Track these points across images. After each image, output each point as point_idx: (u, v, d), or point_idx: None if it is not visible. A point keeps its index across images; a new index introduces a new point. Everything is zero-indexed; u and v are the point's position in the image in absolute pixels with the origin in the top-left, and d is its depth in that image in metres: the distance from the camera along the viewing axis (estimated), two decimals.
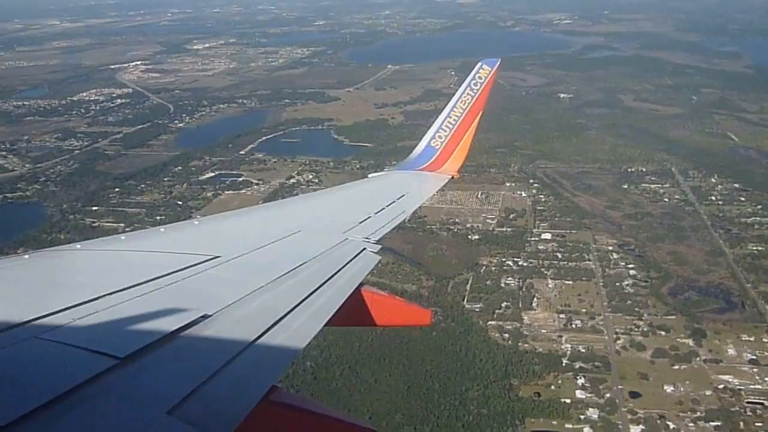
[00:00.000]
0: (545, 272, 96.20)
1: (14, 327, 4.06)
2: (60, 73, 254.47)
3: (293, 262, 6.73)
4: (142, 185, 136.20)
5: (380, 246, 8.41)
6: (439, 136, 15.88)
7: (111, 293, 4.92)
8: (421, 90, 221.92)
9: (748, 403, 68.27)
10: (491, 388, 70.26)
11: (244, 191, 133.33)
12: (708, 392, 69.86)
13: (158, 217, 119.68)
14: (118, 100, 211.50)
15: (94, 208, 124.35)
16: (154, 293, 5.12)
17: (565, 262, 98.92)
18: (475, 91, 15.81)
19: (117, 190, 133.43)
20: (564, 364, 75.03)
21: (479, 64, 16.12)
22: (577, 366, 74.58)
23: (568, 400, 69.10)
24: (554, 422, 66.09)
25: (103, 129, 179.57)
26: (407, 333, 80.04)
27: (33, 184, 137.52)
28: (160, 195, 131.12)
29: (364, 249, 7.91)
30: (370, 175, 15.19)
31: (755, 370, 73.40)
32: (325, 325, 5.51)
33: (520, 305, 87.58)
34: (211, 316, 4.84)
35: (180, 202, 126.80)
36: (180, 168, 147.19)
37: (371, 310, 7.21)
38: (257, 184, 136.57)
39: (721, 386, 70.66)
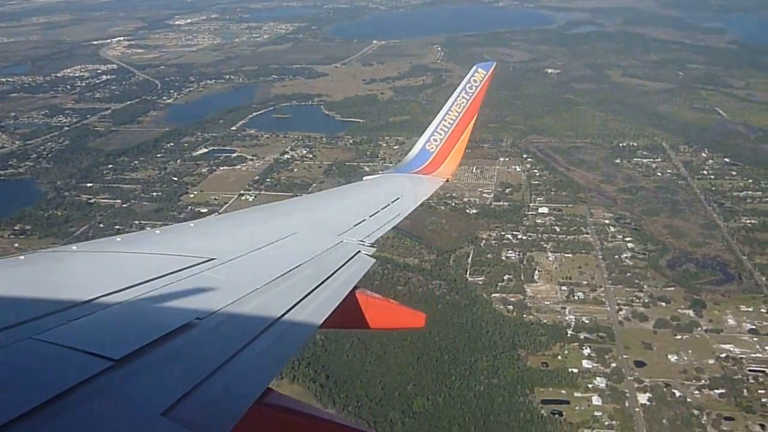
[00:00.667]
0: (545, 245, 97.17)
1: (9, 328, 4.03)
2: (42, 50, 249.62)
3: (288, 264, 6.75)
4: (136, 162, 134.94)
5: (375, 249, 8.46)
6: (434, 140, 15.97)
7: (106, 295, 4.91)
8: (408, 65, 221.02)
9: (750, 371, 69.85)
10: (500, 359, 71.16)
11: (239, 167, 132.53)
12: (711, 361, 71.34)
13: (154, 193, 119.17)
14: (104, 77, 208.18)
15: (89, 184, 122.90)
16: (149, 295, 5.10)
17: (564, 236, 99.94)
18: (470, 94, 16.01)
19: (110, 166, 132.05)
20: (569, 335, 76.12)
21: (474, 68, 16.30)
22: (581, 336, 75.71)
23: (575, 370, 70.25)
24: (563, 391, 67.19)
25: (91, 105, 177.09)
26: (414, 306, 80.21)
27: (24, 161, 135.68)
28: (154, 171, 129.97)
29: (359, 252, 7.94)
30: (365, 178, 14.72)
31: (755, 339, 75.02)
32: (319, 328, 5.58)
33: (522, 278, 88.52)
34: (205, 318, 4.83)
35: (175, 178, 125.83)
36: (172, 144, 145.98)
37: (366, 312, 7.25)
38: (251, 160, 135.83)
39: (723, 355, 72.16)
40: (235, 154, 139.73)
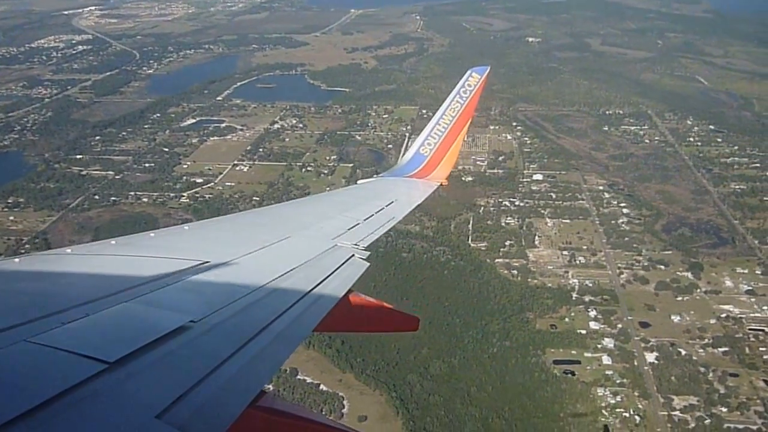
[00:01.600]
0: (542, 212, 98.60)
1: (4, 330, 4.03)
2: (11, 20, 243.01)
3: (282, 267, 6.71)
4: (123, 133, 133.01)
5: (369, 252, 8.37)
6: (429, 143, 15.82)
7: (101, 298, 4.90)
8: (389, 34, 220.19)
9: (750, 330, 72.20)
10: (510, 322, 72.56)
11: (229, 137, 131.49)
12: (712, 321, 73.54)
13: (146, 164, 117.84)
14: (80, 47, 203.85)
15: (79, 156, 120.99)
16: (143, 298, 5.08)
17: (560, 202, 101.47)
18: (464, 98, 15.86)
19: (98, 138, 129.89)
20: (574, 298, 77.75)
21: (468, 72, 16.24)
22: (586, 299, 77.40)
23: (584, 331, 71.94)
24: (573, 352, 68.84)
25: (70, 76, 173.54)
26: (420, 273, 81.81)
27: (8, 133, 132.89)
28: (143, 142, 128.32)
29: (353, 255, 7.91)
30: (359, 182, 14.99)
31: (753, 300, 77.43)
32: (313, 331, 5.64)
33: (524, 243, 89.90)
34: (200, 321, 4.79)
35: (166, 149, 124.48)
36: (158, 115, 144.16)
37: (359, 316, 7.27)
38: (241, 130, 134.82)
39: (723, 315, 74.40)
40: (224, 125, 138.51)
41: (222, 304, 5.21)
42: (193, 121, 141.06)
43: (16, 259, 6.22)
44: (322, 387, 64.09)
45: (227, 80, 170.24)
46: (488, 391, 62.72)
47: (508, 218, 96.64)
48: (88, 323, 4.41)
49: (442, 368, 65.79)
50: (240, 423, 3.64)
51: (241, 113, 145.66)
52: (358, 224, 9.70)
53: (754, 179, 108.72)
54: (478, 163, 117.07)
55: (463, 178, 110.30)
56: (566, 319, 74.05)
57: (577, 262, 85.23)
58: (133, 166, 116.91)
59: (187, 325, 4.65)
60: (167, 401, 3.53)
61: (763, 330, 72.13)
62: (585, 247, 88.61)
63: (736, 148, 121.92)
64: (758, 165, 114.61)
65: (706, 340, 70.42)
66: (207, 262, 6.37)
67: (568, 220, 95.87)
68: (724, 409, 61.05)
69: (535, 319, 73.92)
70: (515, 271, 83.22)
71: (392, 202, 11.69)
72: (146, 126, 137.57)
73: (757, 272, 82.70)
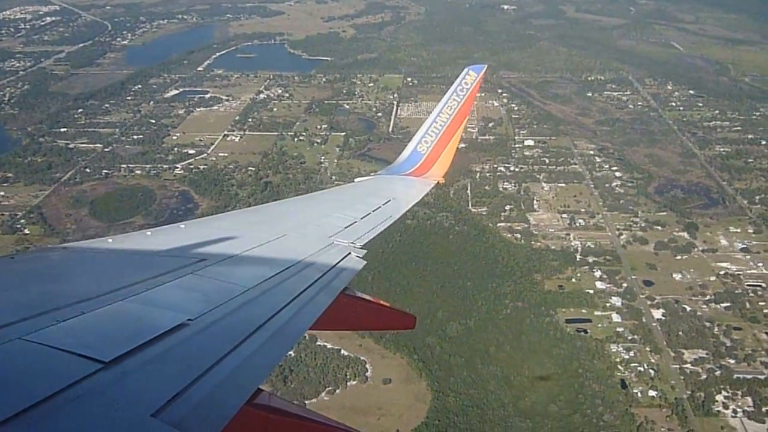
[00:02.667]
0: (538, 176, 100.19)
1: None
2: None
3: (278, 266, 6.73)
4: (106, 105, 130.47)
5: (365, 251, 8.36)
6: (425, 141, 15.83)
7: (96, 296, 4.88)
8: (364, 3, 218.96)
9: (748, 285, 74.98)
10: (520, 283, 74.09)
11: (215, 108, 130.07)
12: (712, 278, 76.12)
13: (135, 136, 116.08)
14: (48, 18, 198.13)
15: (63, 129, 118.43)
16: (139, 296, 5.07)
17: (554, 167, 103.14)
18: (461, 96, 15.88)
19: (80, 110, 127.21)
20: (578, 259, 79.62)
21: (465, 70, 16.28)
22: (590, 260, 79.31)
23: (591, 291, 73.87)
24: (583, 311, 70.72)
25: (42, 48, 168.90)
26: (426, 238, 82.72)
27: None
28: (128, 114, 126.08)
29: (349, 254, 7.92)
30: (356, 180, 14.94)
31: (748, 257, 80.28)
32: (309, 329, 5.67)
33: (523, 207, 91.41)
34: (195, 319, 4.78)
35: (153, 121, 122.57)
36: (140, 86, 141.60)
37: (355, 314, 7.29)
38: (227, 100, 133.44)
39: (722, 272, 77.03)
40: (208, 95, 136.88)
41: (218, 303, 5.20)
42: (176, 92, 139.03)
43: (12, 257, 6.14)
44: (343, 352, 64.85)
45: (206, 50, 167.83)
46: (507, 351, 64.27)
47: (505, 183, 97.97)
48: (84, 321, 4.37)
49: (459, 330, 67.09)
50: (236, 421, 3.66)
51: (225, 83, 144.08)
52: (355, 222, 9.70)
53: (738, 142, 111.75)
54: (468, 129, 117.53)
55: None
56: (573, 280, 75.88)
57: (577, 224, 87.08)
58: (122, 139, 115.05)
59: (183, 323, 4.62)
60: (163, 399, 3.52)
61: (760, 285, 74.95)
62: (583, 210, 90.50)
63: (717, 112, 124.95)
64: (739, 128, 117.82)
65: (708, 297, 72.90)
66: (203, 260, 6.36)
67: (563, 184, 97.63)
68: (732, 361, 63.62)
69: (542, 280, 75.56)
70: (518, 235, 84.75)
71: (389, 200, 11.69)
72: (129, 98, 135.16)
73: (749, 231, 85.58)
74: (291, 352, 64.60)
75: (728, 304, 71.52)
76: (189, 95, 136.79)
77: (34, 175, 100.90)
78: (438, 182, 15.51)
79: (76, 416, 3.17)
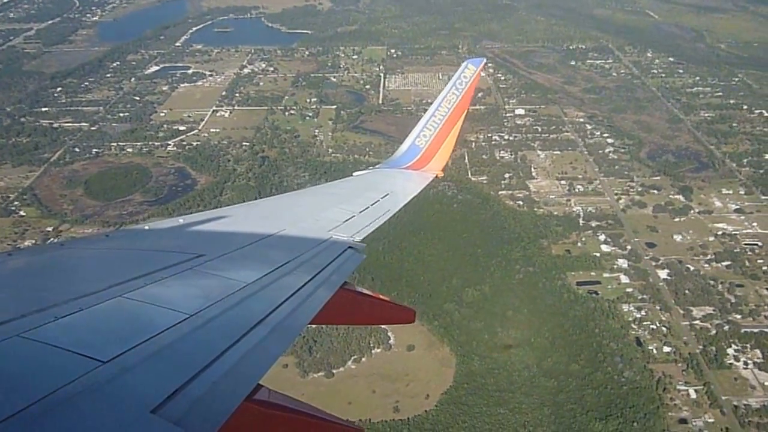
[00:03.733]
0: (532, 144, 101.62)
1: None
2: None
3: (277, 261, 6.67)
4: (86, 83, 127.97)
5: (364, 245, 8.36)
6: (424, 135, 15.72)
7: (94, 292, 4.85)
8: None
9: (745, 244, 77.66)
10: (529, 249, 75.63)
11: (200, 83, 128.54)
12: (710, 238, 78.61)
13: (120, 114, 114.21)
14: None
15: (44, 109, 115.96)
16: (137, 292, 5.06)
17: (547, 135, 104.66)
18: (459, 90, 15.87)
19: (59, 89, 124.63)
20: (581, 224, 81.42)
21: (464, 63, 16.30)
22: (593, 224, 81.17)
23: (597, 254, 75.74)
24: (592, 273, 72.57)
25: (9, 26, 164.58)
26: (430, 207, 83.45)
27: None
28: (110, 92, 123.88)
29: (349, 248, 7.87)
30: (354, 174, 14.47)
31: (742, 217, 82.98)
32: (309, 324, 5.64)
33: (522, 175, 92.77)
34: (195, 314, 4.78)
35: (137, 98, 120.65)
36: (118, 63, 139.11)
37: (355, 309, 7.25)
38: (211, 75, 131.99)
39: (719, 233, 79.59)
40: (190, 71, 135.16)
41: (217, 298, 5.20)
42: (157, 68, 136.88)
43: (9, 254, 6.10)
44: None
45: (181, 25, 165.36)
46: (524, 314, 65.79)
47: (501, 152, 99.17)
48: (82, 318, 4.37)
49: (474, 296, 68.38)
50: (236, 417, 3.67)
51: (206, 59, 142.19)
52: (353, 216, 9.67)
53: (721, 107, 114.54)
54: None
55: None
56: (579, 244, 77.65)
57: (576, 190, 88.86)
58: (107, 117, 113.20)
59: (182, 319, 4.63)
60: (162, 396, 3.51)
61: (756, 244, 77.70)
62: (580, 177, 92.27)
63: (697, 78, 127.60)
64: (721, 94, 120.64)
65: (709, 256, 75.40)
66: (202, 255, 6.35)
67: (558, 152, 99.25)
68: (738, 316, 66.21)
69: (549, 245, 77.17)
70: (520, 202, 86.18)
71: (388, 194, 11.64)
72: (108, 75, 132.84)
73: (741, 192, 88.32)
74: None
75: (728, 263, 74.05)
76: (170, 71, 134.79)
77: (22, 156, 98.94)
78: (437, 176, 15.33)
79: (76, 414, 3.16)
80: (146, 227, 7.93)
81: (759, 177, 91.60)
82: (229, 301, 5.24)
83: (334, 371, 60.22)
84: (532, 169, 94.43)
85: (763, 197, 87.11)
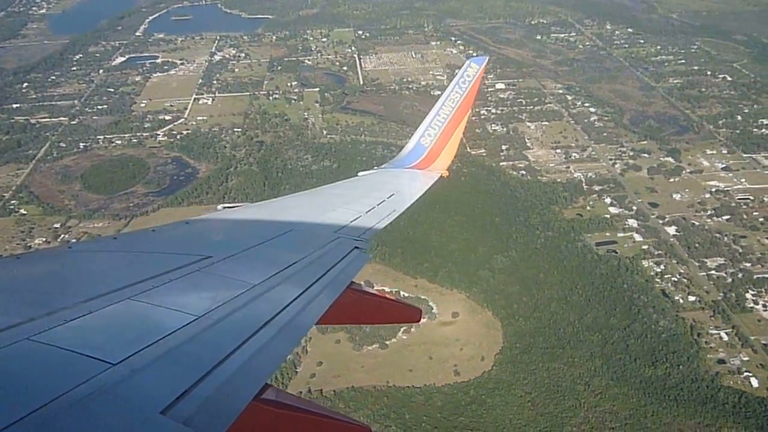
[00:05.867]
0: (520, 117, 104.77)
1: (7, 329, 4.00)
2: None
3: (284, 262, 6.71)
4: (52, 77, 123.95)
5: (371, 245, 8.38)
6: (429, 134, 15.72)
7: (103, 295, 4.89)
8: None
9: (739, 199, 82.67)
10: (543, 215, 78.67)
11: (173, 72, 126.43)
12: (706, 195, 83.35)
13: (98, 106, 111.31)
14: None
15: (15, 105, 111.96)
16: (145, 294, 5.09)
17: (531, 107, 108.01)
18: (463, 89, 15.93)
19: (26, 84, 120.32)
20: (585, 189, 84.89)
21: (467, 62, 16.40)
22: (596, 189, 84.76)
23: (607, 216, 79.36)
24: (607, 234, 76.11)
25: None
26: (439, 181, 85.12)
27: None
28: (81, 85, 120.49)
29: (355, 248, 7.84)
30: (360, 174, 14.39)
31: (730, 174, 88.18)
32: (316, 324, 5.66)
33: (518, 146, 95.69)
34: (202, 316, 4.81)
35: (111, 90, 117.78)
36: (81, 56, 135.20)
37: (362, 309, 7.27)
38: (182, 64, 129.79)
39: (713, 190, 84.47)
40: (159, 60, 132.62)
41: (224, 300, 5.23)
42: (123, 59, 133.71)
43: (17, 258, 6.16)
44: (403, 293, 67.18)
45: (136, 15, 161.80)
46: (555, 275, 68.72)
47: (493, 125, 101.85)
48: (91, 321, 4.40)
49: (504, 262, 70.88)
50: (244, 417, 3.71)
51: (172, 47, 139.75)
52: (360, 217, 9.59)
53: (687, 74, 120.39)
54: (438, 77, 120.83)
55: (431, 93, 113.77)
56: (587, 208, 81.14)
57: (573, 158, 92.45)
58: (86, 110, 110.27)
59: (189, 320, 4.67)
60: (172, 397, 3.56)
61: (749, 198, 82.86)
62: (573, 145, 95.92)
63: (658, 47, 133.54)
64: (683, 61, 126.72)
65: (709, 212, 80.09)
66: (209, 257, 6.38)
67: (546, 123, 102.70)
68: (749, 264, 70.87)
69: (561, 210, 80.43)
70: (523, 172, 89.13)
71: (393, 194, 11.61)
72: (74, 68, 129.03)
73: (724, 152, 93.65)
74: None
75: (728, 217, 78.86)
76: (138, 61, 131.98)
77: (6, 154, 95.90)
78: (442, 175, 15.06)
79: (87, 415, 3.20)
80: (153, 230, 7.74)
81: (737, 137, 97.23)
82: (237, 302, 5.30)
83: (387, 342, 61.67)
84: (526, 140, 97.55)
85: (745, 155, 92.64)
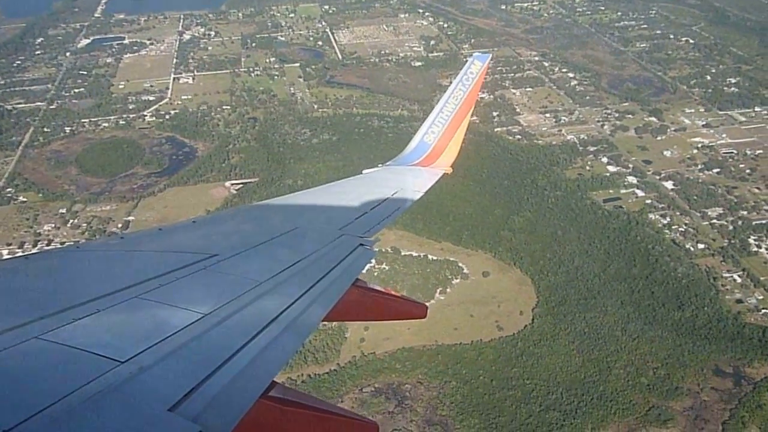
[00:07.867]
0: (504, 84, 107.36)
1: (16, 328, 3.99)
2: None
3: (290, 259, 6.74)
4: (17, 62, 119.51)
5: (376, 241, 8.32)
6: (432, 131, 15.66)
7: (110, 294, 4.88)
8: None
9: (724, 153, 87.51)
10: (548, 176, 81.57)
11: (144, 53, 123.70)
12: (694, 151, 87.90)
13: (75, 90, 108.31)
14: None
15: None
16: (152, 292, 5.10)
17: (512, 74, 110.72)
18: (466, 85, 16.01)
19: None
20: (580, 150, 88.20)
21: (471, 59, 16.43)
22: (591, 149, 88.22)
23: (607, 174, 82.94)
24: (610, 191, 79.64)
25: None
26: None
27: None
28: (50, 68, 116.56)
29: (360, 245, 7.87)
30: (364, 171, 14.15)
31: (711, 131, 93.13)
32: (323, 321, 5.71)
33: (508, 112, 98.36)
34: (209, 314, 4.81)
35: (84, 72, 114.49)
36: (42, 39, 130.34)
37: (367, 305, 7.27)
38: (152, 44, 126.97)
39: (699, 146, 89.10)
40: (126, 41, 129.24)
41: (231, 297, 5.29)
42: (88, 41, 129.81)
43: (26, 257, 6.19)
44: (430, 257, 69.06)
45: None
46: (572, 232, 71.77)
47: (480, 93, 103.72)
48: (99, 320, 4.45)
49: (521, 222, 73.57)
50: (252, 414, 3.74)
51: (136, 27, 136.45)
52: (364, 214, 9.68)
53: (651, 38, 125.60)
54: (414, 49, 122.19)
55: (412, 64, 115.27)
56: (587, 167, 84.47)
57: (562, 121, 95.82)
58: (62, 94, 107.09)
59: (196, 318, 4.72)
60: (180, 394, 3.59)
61: (733, 152, 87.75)
62: (560, 109, 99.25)
63: (619, 13, 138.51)
64: (645, 26, 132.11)
65: (699, 166, 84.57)
66: (215, 255, 6.45)
67: (530, 89, 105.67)
68: (745, 212, 75.61)
69: (562, 171, 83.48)
70: (519, 136, 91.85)
71: (398, 191, 11.61)
72: (38, 52, 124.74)
73: (701, 110, 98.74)
74: (385, 265, 68.19)
75: (718, 170, 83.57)
76: (104, 43, 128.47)
77: None
78: (446, 172, 14.98)
79: (96, 412, 3.25)
80: (159, 229, 7.82)
81: (710, 95, 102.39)
82: (243, 299, 5.35)
83: (427, 303, 63.25)
84: (515, 106, 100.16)
85: (721, 112, 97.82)
